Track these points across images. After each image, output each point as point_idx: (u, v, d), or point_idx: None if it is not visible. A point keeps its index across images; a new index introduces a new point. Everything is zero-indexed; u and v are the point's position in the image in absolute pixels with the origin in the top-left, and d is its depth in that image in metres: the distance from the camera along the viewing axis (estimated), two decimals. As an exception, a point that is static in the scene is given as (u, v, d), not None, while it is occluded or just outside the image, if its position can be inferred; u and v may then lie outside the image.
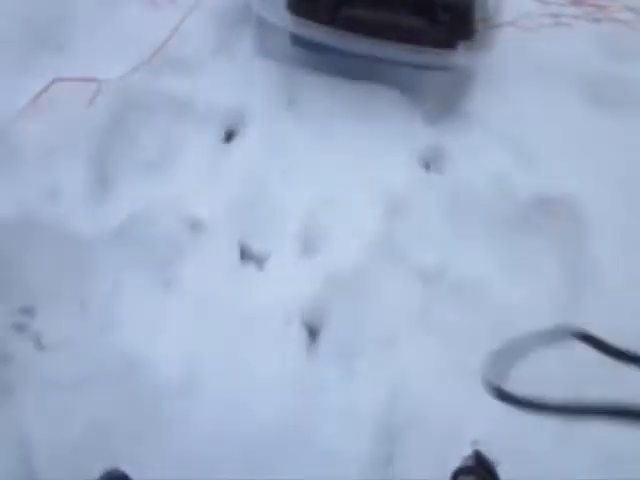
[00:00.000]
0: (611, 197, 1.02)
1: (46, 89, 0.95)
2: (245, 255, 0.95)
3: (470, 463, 0.98)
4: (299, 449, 0.80)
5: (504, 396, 0.55)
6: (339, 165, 1.01)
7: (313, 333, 0.91)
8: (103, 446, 0.78)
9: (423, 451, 0.85)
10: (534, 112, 1.10)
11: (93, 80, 0.97)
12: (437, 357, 0.92)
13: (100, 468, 0.62)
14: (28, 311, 0.88)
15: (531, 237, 1.01)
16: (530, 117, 1.10)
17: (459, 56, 1.04)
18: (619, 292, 0.94)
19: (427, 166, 1.05)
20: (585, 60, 1.16)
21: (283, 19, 1.05)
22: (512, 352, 0.60)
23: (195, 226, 0.95)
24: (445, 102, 1.10)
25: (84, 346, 0.84)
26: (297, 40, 1.08)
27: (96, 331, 0.85)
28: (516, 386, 0.50)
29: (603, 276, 0.97)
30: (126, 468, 0.61)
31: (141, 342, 0.84)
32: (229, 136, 1.05)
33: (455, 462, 0.79)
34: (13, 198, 0.89)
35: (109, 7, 1.09)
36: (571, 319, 0.94)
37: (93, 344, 0.83)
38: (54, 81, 0.96)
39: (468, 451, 0.94)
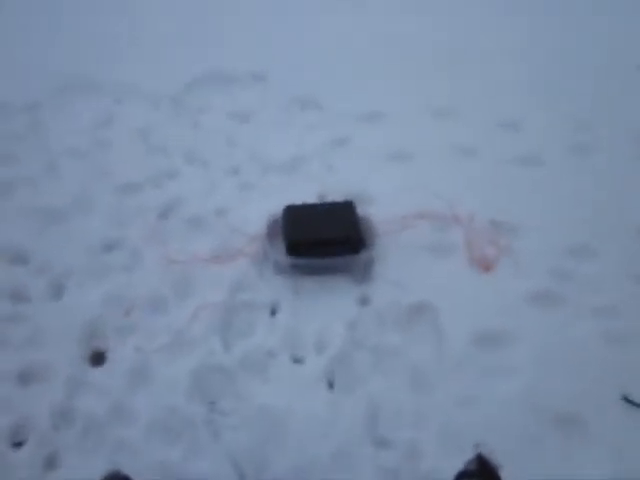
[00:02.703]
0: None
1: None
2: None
3: (473, 467, 1.09)
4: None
5: None
6: (314, 309, 2.31)
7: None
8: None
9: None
10: (406, 268, 2.44)
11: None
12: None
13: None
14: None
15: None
16: (407, 269, 2.43)
17: (362, 254, 2.41)
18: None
19: (361, 303, 2.36)
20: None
21: (284, 258, 2.42)
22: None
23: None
24: (364, 274, 2.43)
25: None
26: (291, 265, 2.43)
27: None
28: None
29: None
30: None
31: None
32: (273, 312, 2.36)
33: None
34: None
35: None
36: None
37: None
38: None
39: (471, 454, 1.28)
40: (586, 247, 2.50)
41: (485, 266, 2.44)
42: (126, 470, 1.90)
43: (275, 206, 2.60)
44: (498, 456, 1.88)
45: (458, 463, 1.88)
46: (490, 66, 3.55)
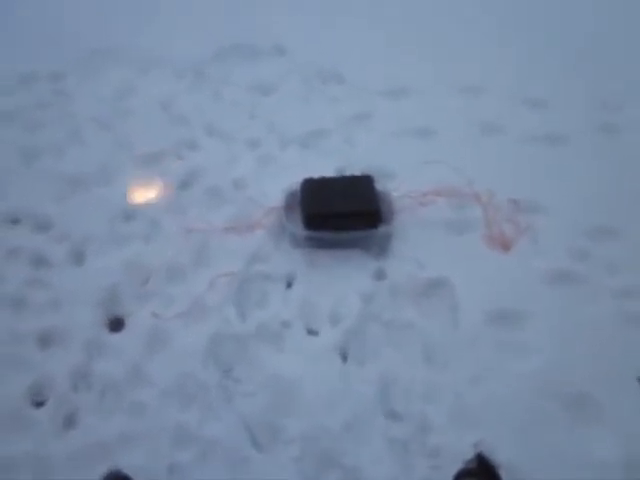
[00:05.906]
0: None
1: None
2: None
3: (472, 466, 1.11)
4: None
5: None
6: (329, 282, 2.33)
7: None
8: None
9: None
10: (423, 244, 2.43)
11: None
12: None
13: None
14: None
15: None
16: (424, 245, 2.43)
17: (380, 229, 2.40)
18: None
19: (377, 278, 2.36)
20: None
21: (301, 230, 2.43)
22: None
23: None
24: (381, 248, 2.43)
25: None
26: (308, 238, 2.43)
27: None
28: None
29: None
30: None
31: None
32: (289, 284, 2.38)
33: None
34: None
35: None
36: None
37: None
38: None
39: (470, 453, 1.36)
40: (607, 228, 2.46)
41: (504, 245, 2.42)
42: (142, 430, 1.96)
43: (294, 179, 2.60)
44: (508, 434, 1.89)
45: (468, 438, 1.90)
46: (514, 43, 3.47)
